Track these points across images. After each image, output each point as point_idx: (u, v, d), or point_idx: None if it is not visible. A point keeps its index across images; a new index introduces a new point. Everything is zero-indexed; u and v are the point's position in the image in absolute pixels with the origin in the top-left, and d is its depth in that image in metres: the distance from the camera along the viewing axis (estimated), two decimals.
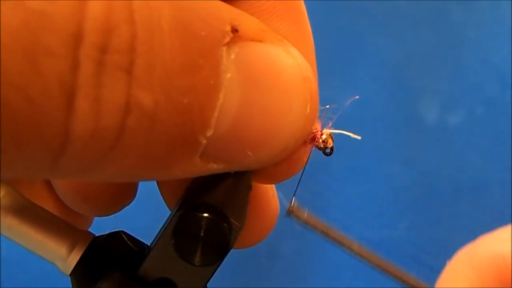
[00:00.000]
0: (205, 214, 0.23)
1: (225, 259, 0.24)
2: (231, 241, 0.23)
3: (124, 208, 0.32)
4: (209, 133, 0.20)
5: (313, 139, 0.24)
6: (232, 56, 0.20)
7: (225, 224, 0.23)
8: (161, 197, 0.29)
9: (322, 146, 0.25)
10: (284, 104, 0.22)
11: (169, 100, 0.19)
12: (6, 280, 0.67)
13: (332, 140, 0.25)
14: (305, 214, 0.27)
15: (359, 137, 0.25)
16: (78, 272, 0.25)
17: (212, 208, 0.23)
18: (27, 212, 0.25)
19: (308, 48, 0.25)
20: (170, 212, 0.25)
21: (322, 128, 0.25)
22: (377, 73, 0.74)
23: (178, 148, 0.20)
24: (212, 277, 0.25)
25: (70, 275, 0.25)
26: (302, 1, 0.25)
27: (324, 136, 0.24)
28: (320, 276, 0.71)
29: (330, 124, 0.25)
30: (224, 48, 0.20)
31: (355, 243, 0.28)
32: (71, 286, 0.26)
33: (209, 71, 0.20)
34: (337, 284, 0.71)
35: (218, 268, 0.25)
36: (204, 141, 0.20)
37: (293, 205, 0.26)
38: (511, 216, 0.70)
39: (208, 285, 0.25)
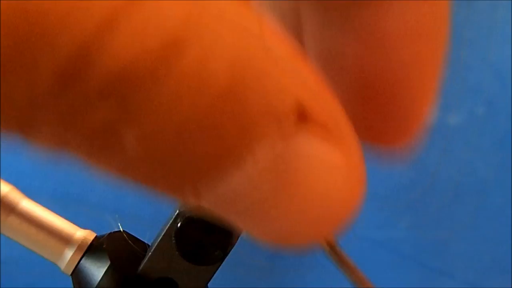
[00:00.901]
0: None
1: (225, 258, 0.24)
2: (232, 241, 0.24)
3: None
4: (200, 187, 0.16)
5: None
6: (277, 150, 0.16)
7: (227, 224, 0.23)
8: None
9: None
10: (297, 224, 0.17)
11: (173, 154, 0.15)
12: (6, 280, 0.67)
13: None
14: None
15: None
16: (79, 272, 0.25)
17: None
18: (28, 211, 0.25)
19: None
20: (171, 211, 0.25)
21: None
22: None
23: (162, 181, 0.17)
24: (213, 277, 0.25)
25: (71, 274, 0.25)
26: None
27: None
28: (320, 276, 0.72)
29: None
30: (273, 135, 0.15)
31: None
32: (72, 286, 0.26)
33: (233, 152, 0.16)
34: (337, 284, 0.71)
35: (219, 268, 0.25)
36: (191, 192, 0.17)
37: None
38: (511, 216, 0.70)
39: (208, 284, 0.25)
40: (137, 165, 0.16)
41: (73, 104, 0.15)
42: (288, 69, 0.16)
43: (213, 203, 0.18)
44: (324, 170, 0.17)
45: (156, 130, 0.16)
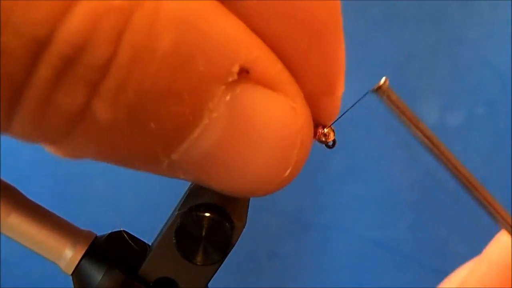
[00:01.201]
0: (207, 214, 0.23)
1: (225, 258, 0.24)
2: (232, 241, 0.24)
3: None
4: (174, 157, 0.19)
5: (314, 133, 0.24)
6: (228, 97, 0.19)
7: (227, 224, 0.23)
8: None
9: (323, 139, 0.24)
10: (262, 161, 0.20)
11: (132, 120, 0.18)
12: (6, 280, 0.67)
13: (334, 133, 0.24)
14: (395, 94, 0.24)
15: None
16: (80, 272, 0.25)
17: (213, 208, 0.23)
18: (29, 211, 0.25)
19: (337, 79, 0.23)
20: (171, 211, 0.25)
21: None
22: (377, 73, 0.74)
23: (138, 158, 0.20)
24: (213, 277, 0.25)
25: (72, 274, 0.25)
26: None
27: (325, 130, 0.24)
28: (320, 276, 0.72)
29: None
30: (222, 88, 0.19)
31: (443, 146, 0.25)
32: (72, 286, 0.26)
33: (190, 107, 0.19)
34: (337, 284, 0.71)
35: (219, 268, 0.25)
36: (167, 161, 0.20)
37: (385, 82, 0.23)
38: (511, 216, 0.70)
39: (209, 284, 0.25)
40: (114, 142, 0.19)
41: (47, 87, 0.18)
42: (230, 31, 0.19)
43: (185, 167, 0.20)
44: (272, 110, 0.20)
45: (120, 103, 0.18)
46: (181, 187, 0.26)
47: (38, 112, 0.18)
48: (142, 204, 0.62)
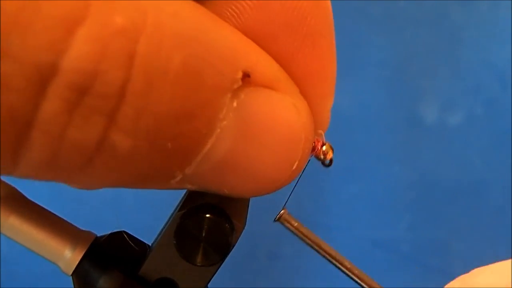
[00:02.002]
0: (207, 215, 0.23)
1: (225, 259, 0.24)
2: (232, 242, 0.24)
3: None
4: (188, 171, 0.20)
5: (313, 149, 0.24)
6: (235, 104, 0.19)
7: (227, 225, 0.23)
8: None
9: (322, 157, 0.25)
10: (272, 159, 0.21)
11: (152, 145, 0.18)
12: (6, 280, 0.67)
13: (332, 151, 0.25)
14: (295, 222, 0.27)
15: None
16: (80, 272, 0.25)
17: (213, 209, 0.23)
18: (29, 212, 0.25)
19: (328, 81, 0.23)
20: (171, 212, 0.25)
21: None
22: (377, 73, 0.74)
23: (152, 177, 0.20)
24: (213, 277, 0.25)
25: (72, 275, 0.25)
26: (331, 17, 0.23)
27: (324, 148, 0.24)
28: (320, 276, 0.72)
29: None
30: (229, 95, 0.19)
31: (346, 261, 0.28)
32: (72, 286, 0.26)
33: (204, 121, 0.19)
34: (337, 284, 0.71)
35: (219, 268, 0.25)
36: (180, 176, 0.20)
37: (284, 212, 0.26)
38: (511, 216, 0.70)
39: (208, 285, 0.25)
40: (132, 168, 0.18)
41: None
42: (229, 40, 0.19)
43: (197, 179, 0.20)
44: (276, 109, 0.20)
45: (141, 130, 0.18)
46: None
47: (49, 151, 0.17)
48: (142, 204, 0.62)
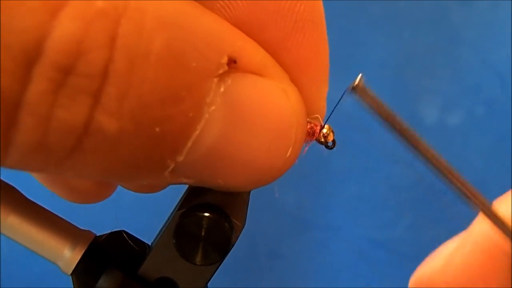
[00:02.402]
0: (206, 214, 0.23)
1: (225, 258, 0.24)
2: (232, 241, 0.23)
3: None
4: (179, 158, 0.19)
5: (312, 134, 0.24)
6: (222, 89, 0.19)
7: (226, 224, 0.23)
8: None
9: (323, 140, 0.24)
10: (264, 145, 0.21)
11: (138, 128, 0.18)
12: (6, 280, 0.67)
13: (333, 133, 0.24)
14: (371, 93, 0.24)
15: None
16: (79, 272, 0.25)
17: (213, 208, 0.23)
18: (29, 211, 0.25)
19: (321, 68, 0.23)
20: (171, 211, 0.25)
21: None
22: (377, 73, 0.74)
23: (144, 166, 0.19)
24: (213, 277, 0.25)
25: (71, 274, 0.25)
26: (322, 10, 0.23)
27: (324, 130, 0.24)
28: (320, 276, 0.72)
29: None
30: (215, 80, 0.19)
31: (422, 141, 0.25)
32: (72, 286, 0.26)
33: (190, 104, 0.19)
34: (337, 284, 0.71)
35: (218, 268, 0.25)
36: (173, 165, 0.20)
37: (360, 81, 0.23)
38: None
39: (208, 284, 0.25)
40: (121, 154, 0.18)
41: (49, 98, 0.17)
42: (213, 26, 0.19)
43: (190, 169, 0.20)
44: (265, 94, 0.20)
45: (125, 111, 0.18)
46: (181, 187, 0.26)
47: (38, 132, 0.17)
48: (142, 204, 0.62)
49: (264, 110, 0.20)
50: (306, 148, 0.24)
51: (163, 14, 0.18)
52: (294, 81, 0.22)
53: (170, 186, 0.26)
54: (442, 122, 0.74)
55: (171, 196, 0.26)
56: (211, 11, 0.20)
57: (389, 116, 0.25)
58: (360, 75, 0.23)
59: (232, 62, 0.19)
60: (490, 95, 0.75)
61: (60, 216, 0.26)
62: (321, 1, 0.22)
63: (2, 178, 0.25)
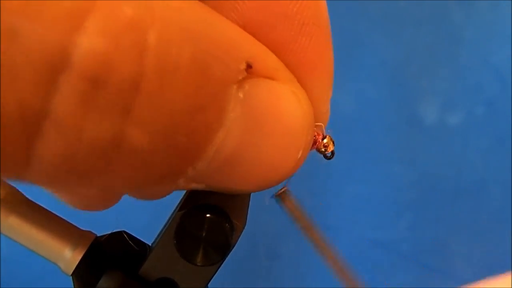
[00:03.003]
0: (207, 214, 0.23)
1: (225, 259, 0.24)
2: (232, 241, 0.24)
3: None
4: (200, 166, 0.20)
5: (314, 142, 0.24)
6: (241, 95, 0.19)
7: (227, 224, 0.23)
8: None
9: (323, 149, 0.25)
10: (278, 149, 0.21)
11: (167, 140, 0.18)
12: (6, 280, 0.67)
13: (333, 144, 0.25)
14: (292, 202, 0.27)
15: None
16: (80, 272, 0.25)
17: (213, 208, 0.23)
18: (29, 211, 0.25)
19: (325, 72, 0.23)
20: (171, 212, 0.25)
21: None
22: (377, 73, 0.74)
23: (165, 176, 0.20)
24: (213, 277, 0.25)
25: (72, 275, 0.25)
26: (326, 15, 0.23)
27: (325, 140, 0.25)
28: (320, 276, 0.72)
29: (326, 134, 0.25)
30: (235, 87, 0.19)
31: (330, 248, 0.28)
32: (72, 286, 0.26)
33: (214, 113, 0.19)
34: (337, 284, 0.71)
35: (219, 268, 0.25)
36: (192, 173, 0.20)
37: (284, 189, 0.26)
38: (511, 216, 0.70)
39: (209, 285, 0.25)
40: (148, 166, 0.18)
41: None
42: (230, 33, 0.20)
43: (206, 176, 0.20)
44: (279, 98, 0.20)
45: (156, 125, 0.18)
46: None
47: (63, 147, 0.16)
48: (142, 204, 0.62)
49: (278, 114, 0.21)
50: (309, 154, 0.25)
51: (188, 25, 0.18)
52: (299, 83, 0.22)
53: None
54: (442, 122, 0.74)
55: (172, 197, 0.26)
56: (220, 13, 0.20)
57: (305, 223, 0.27)
58: (285, 188, 0.26)
59: (248, 67, 0.19)
60: (490, 95, 0.75)
61: (61, 216, 0.26)
62: (326, 7, 0.23)
63: (2, 179, 0.25)
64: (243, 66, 0.19)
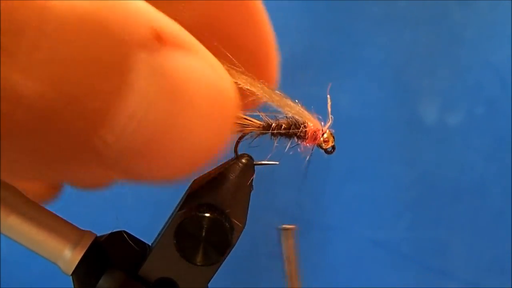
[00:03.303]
0: (207, 214, 0.23)
1: (225, 259, 0.24)
2: (232, 241, 0.24)
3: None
4: (110, 138, 0.19)
5: (314, 138, 0.24)
6: (150, 63, 0.19)
7: (227, 224, 0.23)
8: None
9: (323, 145, 0.25)
10: (203, 124, 0.20)
11: (61, 95, 0.17)
12: (6, 280, 0.67)
13: (334, 138, 0.25)
14: (292, 242, 0.27)
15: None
16: (80, 272, 0.25)
17: (213, 208, 0.23)
18: (29, 212, 0.25)
19: (261, 32, 0.24)
20: (171, 212, 0.25)
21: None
22: (377, 73, 0.74)
23: (70, 147, 0.19)
24: (213, 277, 0.25)
25: (72, 275, 0.25)
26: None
27: (325, 135, 0.24)
28: (320, 276, 0.72)
29: (328, 123, 0.25)
30: (143, 55, 0.19)
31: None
32: (72, 286, 0.26)
33: (119, 74, 0.18)
34: (337, 284, 0.71)
35: (219, 268, 0.25)
36: (106, 150, 0.19)
37: (293, 228, 0.27)
38: (511, 216, 0.70)
39: (208, 284, 0.25)
40: (42, 119, 0.18)
41: None
42: (137, 4, 0.19)
43: (125, 157, 0.19)
44: (194, 67, 0.20)
45: (37, 67, 0.17)
46: (181, 187, 0.26)
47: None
48: (142, 204, 0.62)
49: (197, 86, 0.20)
50: (311, 152, 0.25)
51: None
52: (236, 47, 0.22)
53: (171, 186, 0.26)
54: (442, 122, 0.74)
55: (172, 197, 0.26)
56: None
57: (292, 268, 0.30)
58: (294, 227, 0.27)
59: (157, 37, 0.19)
60: (490, 95, 0.75)
61: (61, 216, 0.26)
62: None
63: (2, 179, 0.25)
64: (148, 30, 0.19)
